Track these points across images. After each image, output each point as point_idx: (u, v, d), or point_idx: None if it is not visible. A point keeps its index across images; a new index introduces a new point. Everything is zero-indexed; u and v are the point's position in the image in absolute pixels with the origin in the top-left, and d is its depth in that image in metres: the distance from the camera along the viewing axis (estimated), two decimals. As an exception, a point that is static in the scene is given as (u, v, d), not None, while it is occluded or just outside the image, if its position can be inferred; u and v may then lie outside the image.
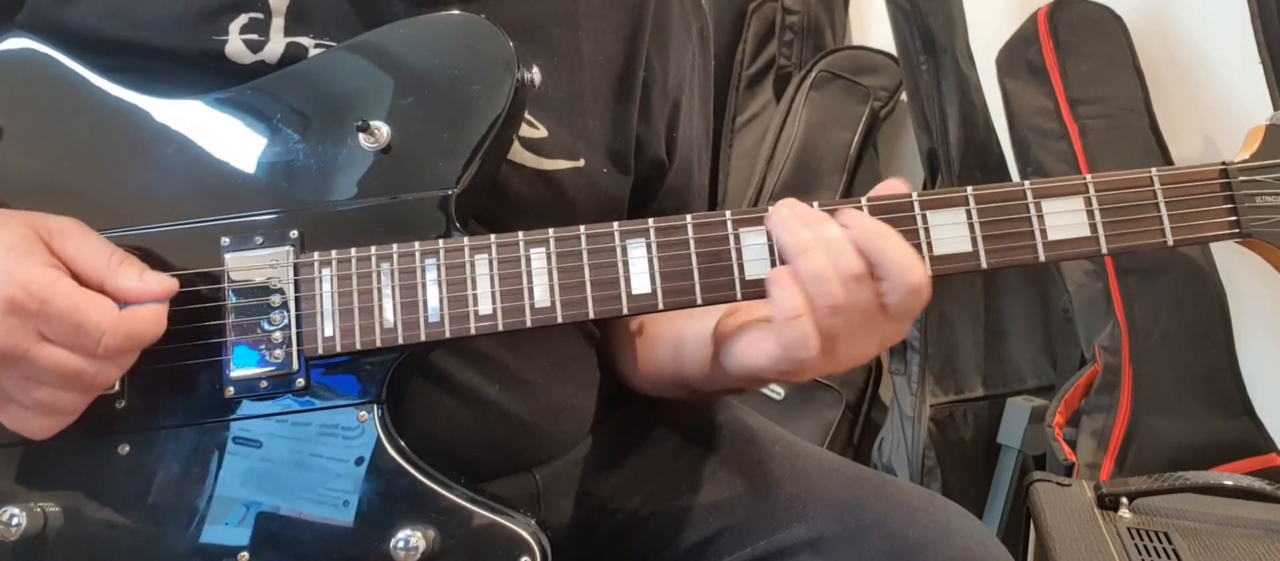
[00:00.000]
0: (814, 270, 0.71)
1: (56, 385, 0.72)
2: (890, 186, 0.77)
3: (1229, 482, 1.24)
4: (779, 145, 2.06)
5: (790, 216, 0.74)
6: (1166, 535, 1.14)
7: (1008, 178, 1.82)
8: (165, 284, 0.74)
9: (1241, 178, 0.78)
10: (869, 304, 0.72)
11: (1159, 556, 1.10)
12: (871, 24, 2.30)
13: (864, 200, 0.76)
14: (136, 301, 0.73)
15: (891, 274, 0.72)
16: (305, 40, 0.84)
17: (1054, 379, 1.88)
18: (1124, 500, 1.21)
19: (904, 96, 1.99)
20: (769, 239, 0.76)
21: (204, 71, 0.83)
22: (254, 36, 0.84)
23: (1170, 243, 0.77)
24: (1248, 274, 1.60)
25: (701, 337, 0.86)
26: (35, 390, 0.72)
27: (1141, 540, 1.13)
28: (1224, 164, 0.78)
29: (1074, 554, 1.10)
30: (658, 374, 0.96)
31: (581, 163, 0.91)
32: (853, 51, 2.15)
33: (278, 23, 0.84)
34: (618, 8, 0.96)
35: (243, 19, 0.84)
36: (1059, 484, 1.28)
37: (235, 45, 0.83)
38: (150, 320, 0.73)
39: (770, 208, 0.76)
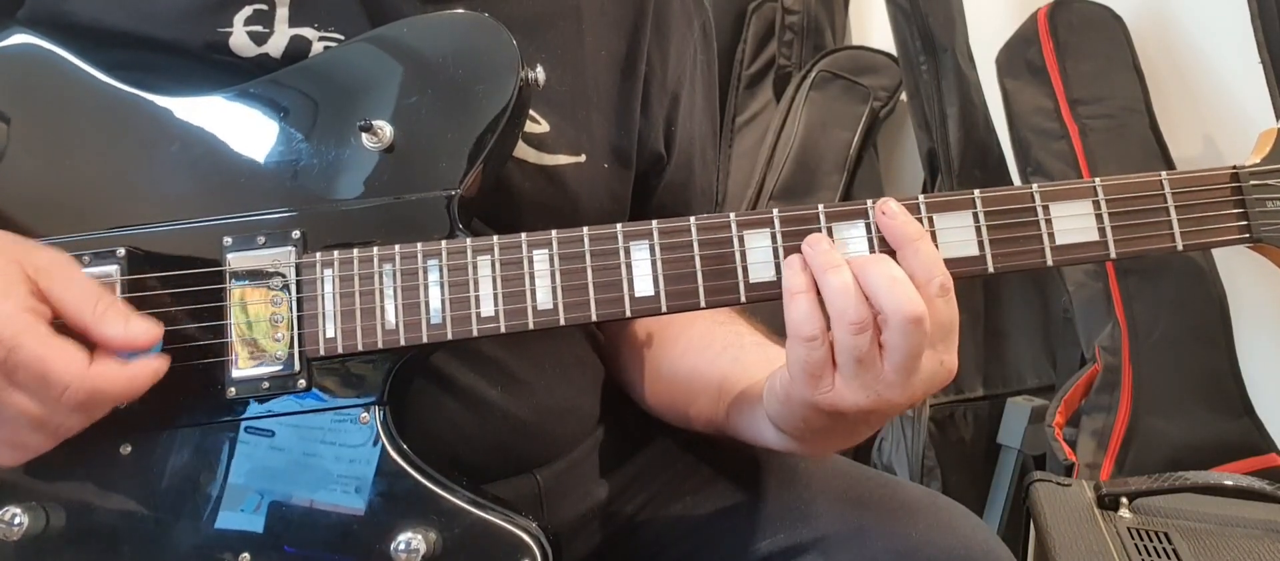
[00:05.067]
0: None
1: (21, 427, 0.70)
2: None
3: (1229, 482, 1.24)
4: (779, 145, 2.05)
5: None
6: (1166, 535, 1.14)
7: (1008, 178, 1.82)
8: (150, 333, 0.72)
9: (1252, 181, 0.77)
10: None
11: (1159, 556, 1.10)
12: (871, 24, 2.30)
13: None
14: (119, 349, 0.71)
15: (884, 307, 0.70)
16: (309, 32, 0.84)
17: (1054, 379, 1.88)
18: (1124, 500, 1.21)
19: (904, 96, 1.99)
20: (773, 241, 0.76)
21: (208, 65, 0.82)
22: (258, 28, 0.83)
23: (1180, 247, 0.76)
24: (1248, 274, 1.60)
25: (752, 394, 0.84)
26: (1, 428, 0.70)
27: (1141, 540, 1.13)
28: (1235, 167, 0.77)
29: (1074, 554, 1.10)
30: (686, 412, 0.94)
31: (584, 158, 0.91)
32: (853, 51, 2.15)
33: (282, 14, 0.84)
34: (619, 3, 0.95)
35: (247, 10, 0.83)
36: (1059, 484, 1.28)
37: (239, 38, 0.83)
38: (119, 379, 0.70)
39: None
